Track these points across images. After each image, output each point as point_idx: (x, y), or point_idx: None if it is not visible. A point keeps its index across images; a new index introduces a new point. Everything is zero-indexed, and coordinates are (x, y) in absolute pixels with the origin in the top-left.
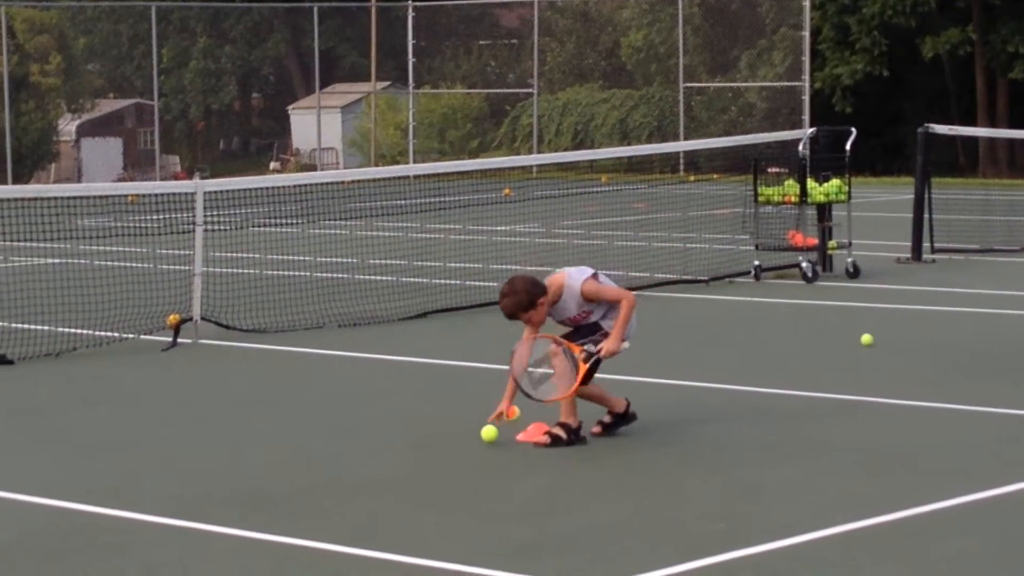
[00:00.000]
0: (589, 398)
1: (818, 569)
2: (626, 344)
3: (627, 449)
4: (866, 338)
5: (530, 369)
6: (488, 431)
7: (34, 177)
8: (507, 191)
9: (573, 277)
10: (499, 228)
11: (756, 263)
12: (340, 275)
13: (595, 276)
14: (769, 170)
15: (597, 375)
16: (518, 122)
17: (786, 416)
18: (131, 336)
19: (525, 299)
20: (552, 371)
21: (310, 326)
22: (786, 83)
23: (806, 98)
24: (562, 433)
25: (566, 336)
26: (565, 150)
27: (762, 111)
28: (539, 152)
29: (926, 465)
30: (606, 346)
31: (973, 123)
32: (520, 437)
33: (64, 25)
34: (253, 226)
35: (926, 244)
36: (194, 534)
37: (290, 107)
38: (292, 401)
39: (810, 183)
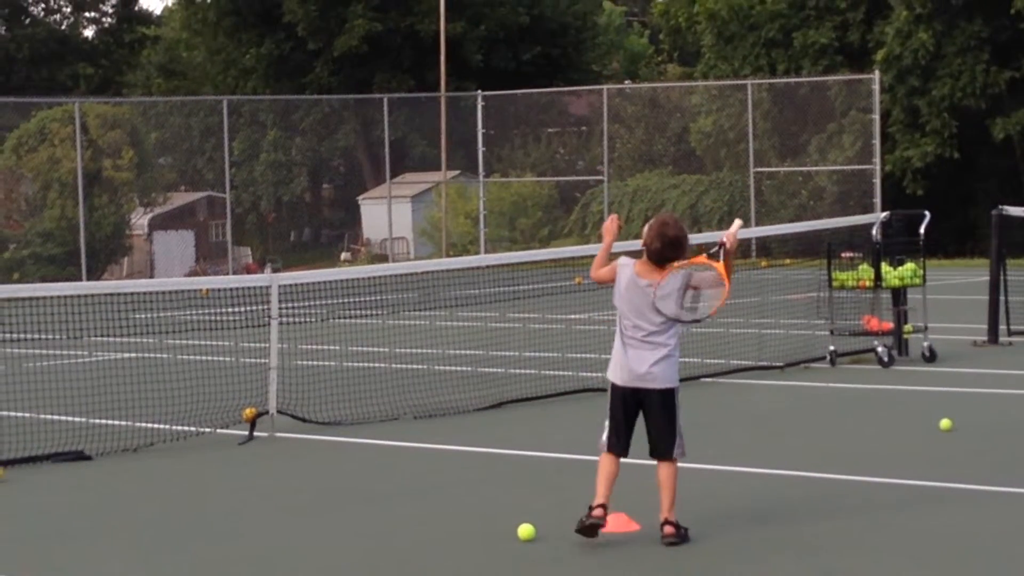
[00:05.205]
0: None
1: None
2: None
3: (708, 538)
4: (945, 423)
5: (687, 305)
6: (525, 529)
7: (107, 271)
8: (578, 279)
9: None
10: (572, 316)
11: (831, 348)
12: (415, 366)
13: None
14: (843, 255)
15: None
16: (588, 209)
17: (865, 503)
18: (208, 430)
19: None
20: (698, 288)
21: (385, 418)
22: (856, 166)
23: (877, 181)
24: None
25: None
26: (636, 236)
27: (833, 195)
28: None
29: (1009, 552)
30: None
31: None
32: (607, 529)
33: (136, 120)
34: (327, 318)
35: (1003, 327)
36: None
37: (360, 197)
38: (368, 494)
39: (884, 267)
